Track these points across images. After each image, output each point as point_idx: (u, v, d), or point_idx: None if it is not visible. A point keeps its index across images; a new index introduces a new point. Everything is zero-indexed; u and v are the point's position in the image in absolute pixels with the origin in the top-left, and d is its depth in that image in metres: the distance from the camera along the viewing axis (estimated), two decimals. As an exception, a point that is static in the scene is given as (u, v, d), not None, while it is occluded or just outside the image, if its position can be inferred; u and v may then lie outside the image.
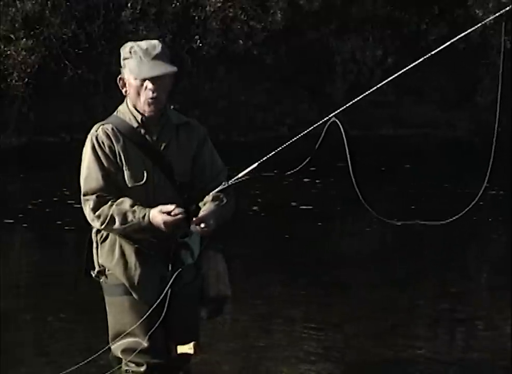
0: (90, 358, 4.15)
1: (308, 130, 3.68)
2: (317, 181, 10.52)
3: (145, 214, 3.87)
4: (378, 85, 3.41)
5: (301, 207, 9.69)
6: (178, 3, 14.23)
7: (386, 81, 3.42)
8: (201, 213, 3.90)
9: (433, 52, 3.16)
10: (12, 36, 13.37)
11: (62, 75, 13.51)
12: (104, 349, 4.15)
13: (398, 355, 5.25)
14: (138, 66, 3.96)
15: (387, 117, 14.63)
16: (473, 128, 14.87)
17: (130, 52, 4.00)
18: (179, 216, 3.83)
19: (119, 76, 4.06)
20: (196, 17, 14.32)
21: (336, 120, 3.66)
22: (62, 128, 13.39)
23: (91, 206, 3.95)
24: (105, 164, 3.97)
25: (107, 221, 3.91)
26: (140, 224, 3.87)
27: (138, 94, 3.98)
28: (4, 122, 13.17)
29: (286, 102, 14.65)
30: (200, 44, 14.13)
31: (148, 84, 3.95)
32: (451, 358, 5.22)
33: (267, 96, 14.60)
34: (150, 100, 3.97)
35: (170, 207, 3.84)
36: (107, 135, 4.00)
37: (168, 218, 3.83)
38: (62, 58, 13.56)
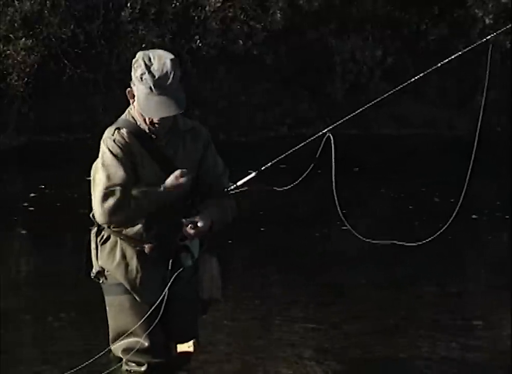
0: (91, 360, 4.15)
1: (303, 144, 3.68)
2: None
3: (160, 186, 3.92)
4: (385, 95, 3.40)
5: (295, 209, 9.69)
6: (178, 3, 14.23)
7: (396, 89, 3.40)
8: (196, 217, 3.92)
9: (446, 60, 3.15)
10: (11, 36, 13.35)
11: (61, 75, 13.50)
12: (105, 350, 4.15)
13: (398, 354, 5.25)
14: (146, 99, 3.89)
15: (387, 116, 14.63)
16: (473, 127, 14.87)
17: (141, 79, 3.91)
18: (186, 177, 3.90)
19: (128, 89, 4.00)
20: (196, 17, 14.31)
21: (330, 136, 3.65)
22: (61, 127, 13.38)
23: (117, 196, 3.87)
24: (125, 164, 3.94)
25: (134, 204, 3.87)
26: (157, 192, 3.90)
27: (144, 117, 4.00)
28: (4, 122, 13.16)
29: (286, 102, 14.64)
30: (200, 44, 14.12)
31: (154, 120, 3.96)
32: (451, 358, 5.22)
33: (267, 96, 14.59)
34: (155, 125, 3.99)
35: (177, 172, 3.91)
36: (125, 140, 3.98)
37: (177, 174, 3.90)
38: (61, 58, 13.55)
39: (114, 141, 3.96)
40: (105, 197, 3.88)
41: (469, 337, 5.61)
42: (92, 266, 4.16)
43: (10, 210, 9.46)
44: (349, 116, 3.57)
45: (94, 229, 4.11)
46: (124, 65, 13.27)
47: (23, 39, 13.28)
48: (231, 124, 13.98)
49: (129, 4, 13.96)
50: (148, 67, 3.89)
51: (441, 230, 3.12)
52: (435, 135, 14.67)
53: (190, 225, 3.88)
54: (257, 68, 14.35)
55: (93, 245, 4.13)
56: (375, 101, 3.45)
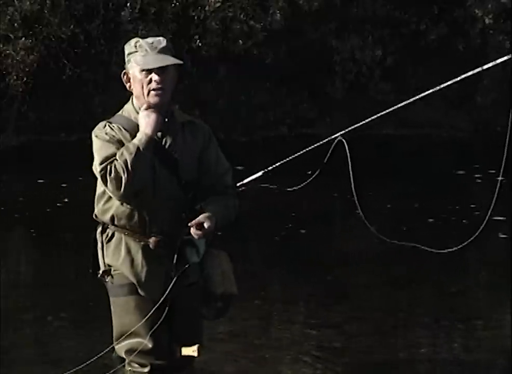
0: (92, 359, 4.14)
1: (314, 146, 3.66)
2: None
3: (140, 135, 3.93)
4: (401, 104, 3.37)
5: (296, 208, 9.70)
6: (177, 3, 14.23)
7: (412, 99, 3.37)
8: (200, 216, 3.90)
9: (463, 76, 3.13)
10: (10, 35, 13.36)
11: (61, 75, 13.51)
12: (108, 349, 4.14)
13: (398, 355, 5.24)
14: (144, 57, 3.98)
15: (388, 116, 14.60)
16: (473, 127, 14.88)
17: (136, 46, 4.02)
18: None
19: (123, 71, 4.06)
20: (196, 17, 14.32)
21: (343, 140, 3.64)
22: (61, 127, 13.39)
23: (111, 170, 3.89)
24: (116, 147, 3.96)
25: (124, 166, 3.86)
26: (142, 142, 3.90)
27: (143, 86, 3.98)
28: (4, 122, 13.16)
29: (286, 101, 14.65)
30: (200, 44, 14.13)
31: (154, 76, 3.96)
32: (451, 358, 5.22)
33: (267, 96, 14.59)
34: (154, 91, 3.97)
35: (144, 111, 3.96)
36: (115, 132, 4.01)
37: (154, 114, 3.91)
38: (61, 57, 13.55)
39: (103, 131, 4.00)
40: (104, 178, 3.91)
41: (469, 337, 5.60)
42: (98, 266, 4.15)
43: (10, 210, 9.46)
44: (365, 121, 3.55)
45: (99, 228, 4.11)
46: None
47: (23, 38, 13.29)
48: (231, 124, 13.98)
49: (128, 4, 13.97)
50: (142, 39, 4.09)
51: (469, 240, 3.07)
52: (435, 135, 14.68)
53: (196, 226, 3.86)
54: (257, 68, 14.35)
55: (99, 245, 4.13)
56: (399, 106, 3.42)
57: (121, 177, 3.85)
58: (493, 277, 7.27)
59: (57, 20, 13.51)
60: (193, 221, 3.87)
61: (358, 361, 5.11)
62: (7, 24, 13.41)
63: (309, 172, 3.66)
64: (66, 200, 9.79)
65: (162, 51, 4.00)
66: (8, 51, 13.21)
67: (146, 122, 3.93)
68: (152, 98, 3.99)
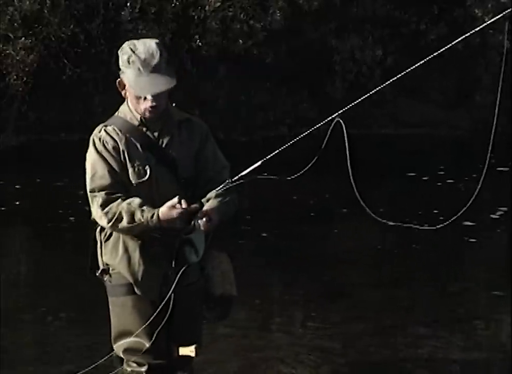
0: (96, 363, 4.13)
1: (311, 129, 3.64)
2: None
3: (153, 214, 3.85)
4: (381, 86, 3.39)
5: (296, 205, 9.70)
6: (177, 3, 14.24)
7: (390, 81, 3.39)
8: (205, 208, 3.89)
9: (436, 53, 3.14)
10: (10, 35, 13.37)
11: (61, 74, 13.52)
12: (110, 354, 4.14)
13: (398, 354, 5.25)
14: (136, 80, 3.92)
15: (387, 116, 14.64)
16: (472, 127, 14.88)
17: (128, 62, 3.96)
18: (193, 206, 3.82)
19: (118, 79, 4.03)
20: (195, 17, 14.33)
21: (340, 120, 3.63)
22: (61, 127, 13.39)
23: (99, 202, 3.92)
24: (110, 162, 3.96)
25: (114, 218, 3.88)
26: (148, 224, 3.85)
27: (138, 102, 3.98)
28: (3, 122, 13.17)
29: (286, 101, 14.65)
30: (200, 44, 14.13)
31: (148, 96, 3.95)
32: (451, 358, 5.22)
33: (267, 95, 14.60)
34: (150, 108, 3.97)
35: (175, 200, 3.83)
36: (110, 136, 4.00)
37: (181, 210, 3.81)
38: (61, 57, 13.56)
39: (100, 138, 3.99)
40: (91, 199, 3.96)
41: (469, 337, 5.61)
42: (97, 265, 4.15)
43: (10, 210, 9.47)
44: (359, 100, 3.56)
45: (98, 227, 4.11)
46: (124, 65, 13.27)
47: (23, 38, 13.29)
48: (231, 124, 13.99)
49: (128, 4, 13.98)
50: (133, 51, 3.98)
51: (458, 215, 3.09)
52: (434, 135, 14.68)
53: (205, 219, 3.85)
54: (257, 68, 14.35)
55: (98, 244, 4.13)
56: (389, 82, 3.43)
57: (106, 217, 3.89)
58: (494, 276, 7.28)
59: (57, 20, 13.52)
60: (202, 213, 3.86)
61: (357, 361, 5.12)
62: (7, 24, 13.41)
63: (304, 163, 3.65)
64: (66, 200, 9.78)
65: (156, 69, 3.92)
66: (8, 51, 13.22)
67: (169, 214, 3.82)
68: (148, 114, 4.00)
